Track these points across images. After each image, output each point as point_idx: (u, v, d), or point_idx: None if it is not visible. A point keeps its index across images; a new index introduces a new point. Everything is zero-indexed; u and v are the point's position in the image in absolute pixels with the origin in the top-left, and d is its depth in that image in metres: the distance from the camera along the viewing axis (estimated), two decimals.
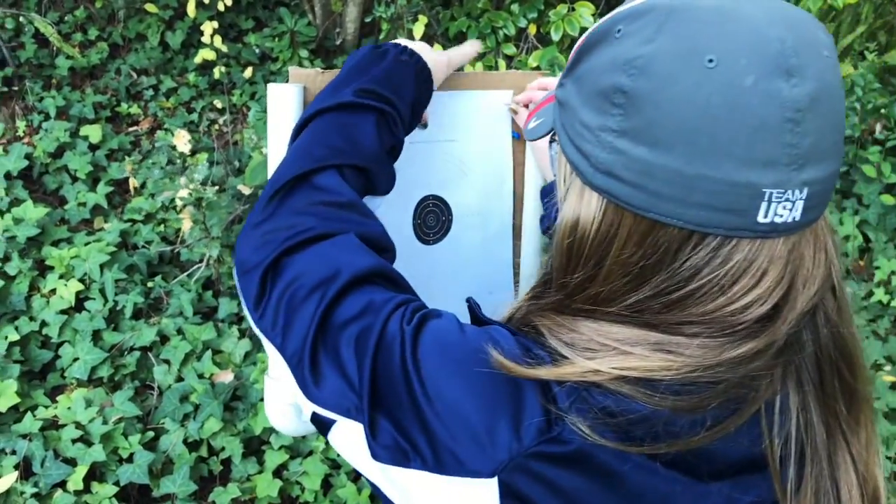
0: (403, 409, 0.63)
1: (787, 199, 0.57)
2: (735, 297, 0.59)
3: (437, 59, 0.98)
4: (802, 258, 0.61)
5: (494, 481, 0.59)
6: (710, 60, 0.55)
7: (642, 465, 0.59)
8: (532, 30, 3.10)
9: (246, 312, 0.78)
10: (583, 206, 0.63)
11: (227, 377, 2.49)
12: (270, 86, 0.91)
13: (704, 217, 0.57)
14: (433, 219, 1.03)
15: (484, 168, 1.05)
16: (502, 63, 3.04)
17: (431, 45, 3.12)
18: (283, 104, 0.90)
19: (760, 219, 0.57)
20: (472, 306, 0.74)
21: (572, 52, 0.68)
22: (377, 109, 0.87)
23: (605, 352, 0.61)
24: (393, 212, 1.00)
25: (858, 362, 0.66)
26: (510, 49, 3.09)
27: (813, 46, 0.57)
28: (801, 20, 0.59)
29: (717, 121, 0.55)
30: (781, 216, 0.57)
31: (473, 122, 1.03)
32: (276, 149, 0.92)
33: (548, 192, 1.05)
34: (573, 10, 2.84)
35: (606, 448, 0.59)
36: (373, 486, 0.68)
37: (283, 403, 0.96)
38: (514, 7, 3.09)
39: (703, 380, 0.60)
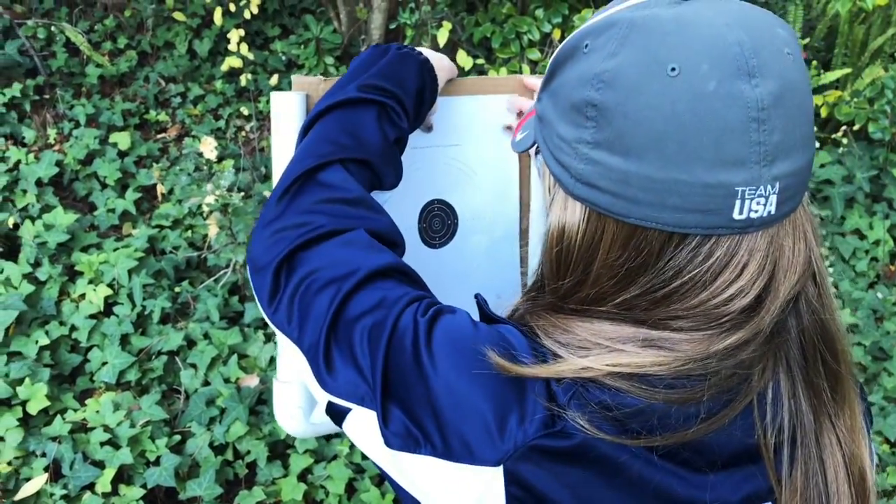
0: (415, 398, 0.65)
1: (760, 195, 0.59)
2: (718, 291, 0.61)
3: (440, 56, 1.01)
4: (782, 248, 0.63)
5: (500, 470, 0.61)
6: (673, 69, 0.57)
7: (641, 457, 0.61)
8: (556, 34, 3.10)
9: (260, 309, 0.79)
10: (567, 216, 0.66)
11: (252, 381, 2.51)
12: (273, 94, 0.92)
13: (681, 219, 0.59)
14: (438, 222, 1.03)
15: (489, 172, 1.05)
16: (526, 68, 3.04)
17: (456, 51, 3.12)
18: (287, 112, 0.92)
19: (736, 216, 0.59)
20: (481, 303, 0.75)
21: (547, 67, 0.70)
22: (378, 103, 0.88)
23: (598, 350, 0.63)
24: (398, 216, 1.01)
25: (841, 347, 0.68)
26: (534, 54, 3.09)
27: (772, 45, 0.59)
28: (759, 21, 0.61)
29: (684, 126, 0.57)
30: (756, 211, 0.59)
31: (478, 126, 1.03)
32: (279, 155, 0.93)
33: None
34: None
35: (606, 441, 0.61)
36: (385, 475, 0.70)
37: (293, 406, 0.97)
38: (539, 12, 3.09)
39: (694, 372, 0.62)
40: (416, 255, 1.03)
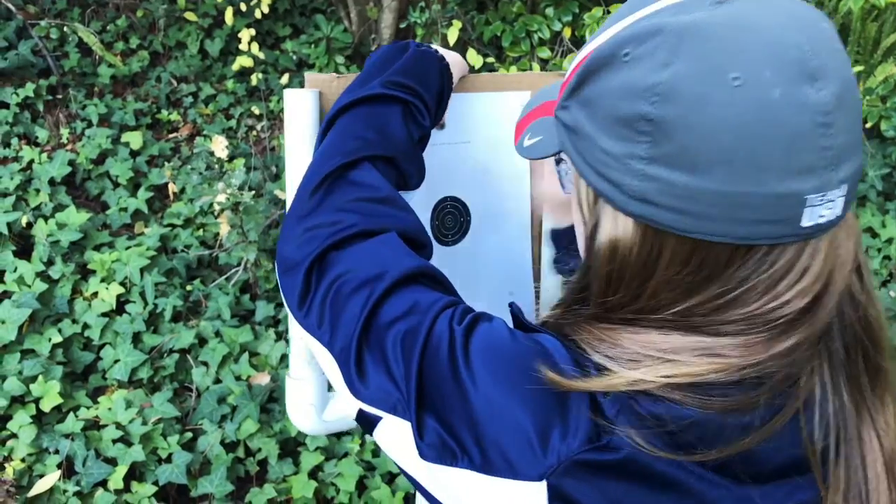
0: (452, 409, 0.64)
1: (828, 201, 0.57)
2: (778, 295, 0.60)
3: (453, 55, 0.99)
4: (839, 248, 0.61)
5: (543, 485, 0.59)
6: (735, 78, 0.54)
7: (691, 470, 0.59)
8: (567, 33, 3.09)
9: (289, 311, 0.78)
10: (619, 233, 0.63)
11: (263, 379, 2.52)
12: (287, 91, 0.93)
13: (751, 231, 0.57)
14: (451, 220, 1.04)
15: (501, 169, 1.05)
16: (537, 66, 3.04)
17: (466, 50, 3.12)
18: (300, 109, 0.92)
19: (805, 223, 0.57)
20: (516, 312, 0.73)
21: (570, 73, 0.67)
22: (403, 101, 0.88)
23: (650, 361, 0.61)
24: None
25: (884, 342, 0.66)
26: (545, 52, 3.09)
27: (827, 43, 0.58)
28: (807, 18, 0.59)
29: (753, 137, 0.54)
30: (824, 216, 0.58)
31: (491, 123, 1.03)
32: (293, 152, 0.93)
33: (560, 236, 1.04)
34: (608, 12, 2.83)
35: (656, 455, 0.59)
36: (417, 485, 0.68)
37: (305, 403, 0.98)
38: (549, 11, 3.09)
39: (750, 377, 0.60)
40: None
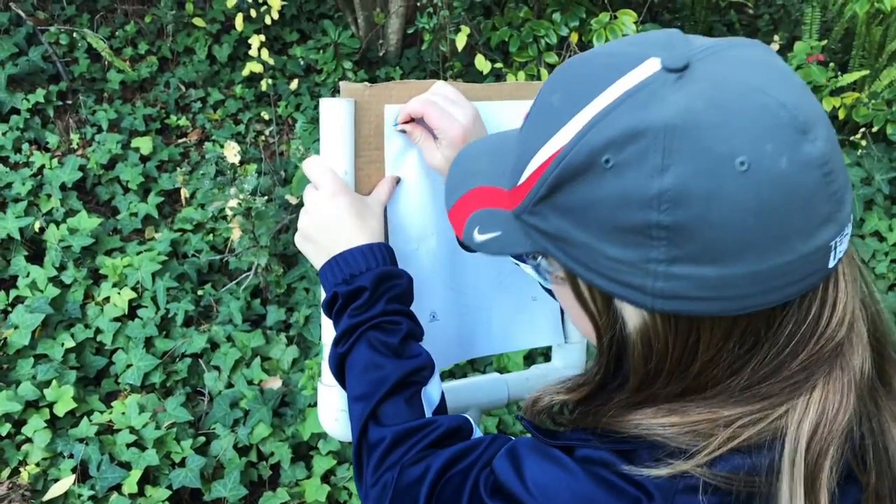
0: None
1: (844, 235, 0.59)
2: (822, 334, 0.61)
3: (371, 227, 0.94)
4: (852, 264, 0.64)
5: None
6: (742, 163, 0.53)
7: None
8: (574, 38, 3.11)
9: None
10: (649, 329, 0.62)
11: (275, 383, 2.54)
12: (323, 100, 0.94)
13: (787, 293, 0.58)
14: None
15: None
16: (544, 72, 3.06)
17: (474, 55, 3.11)
18: (336, 118, 0.93)
19: (831, 264, 0.59)
20: (528, 428, 0.72)
21: (532, 174, 0.62)
22: (360, 336, 0.89)
23: (719, 430, 0.61)
24: (436, 220, 1.03)
25: (890, 332, 0.69)
26: (552, 58, 3.10)
27: (791, 82, 0.58)
28: (765, 62, 0.58)
29: (775, 213, 0.54)
30: (841, 250, 0.59)
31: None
32: (328, 162, 0.95)
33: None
34: (615, 18, 2.85)
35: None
36: None
37: (336, 409, 0.99)
38: (556, 16, 3.11)
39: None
40: (456, 259, 1.05)
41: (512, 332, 1.10)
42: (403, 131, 0.99)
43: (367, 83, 0.96)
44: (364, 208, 0.94)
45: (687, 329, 0.60)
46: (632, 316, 0.63)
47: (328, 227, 0.92)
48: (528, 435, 0.72)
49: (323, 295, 0.93)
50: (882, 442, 0.64)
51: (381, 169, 0.98)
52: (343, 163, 0.94)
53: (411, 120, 0.98)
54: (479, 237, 0.71)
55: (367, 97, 0.95)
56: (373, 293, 0.88)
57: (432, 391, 0.88)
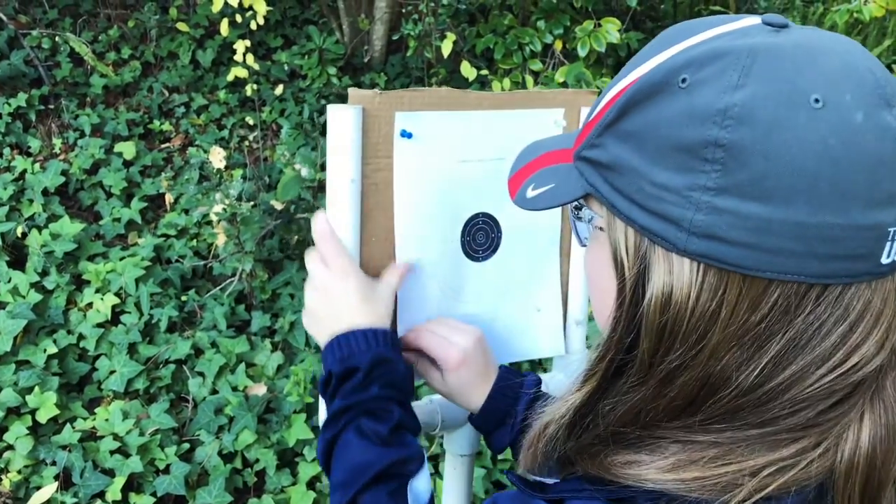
0: None
1: None
2: (853, 348, 0.55)
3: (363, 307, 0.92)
4: None
5: None
6: (817, 101, 0.51)
7: None
8: (558, 46, 3.13)
9: None
10: (674, 279, 0.56)
11: (260, 390, 2.53)
12: (330, 107, 0.93)
13: (828, 268, 0.53)
14: (483, 236, 1.05)
15: None
16: (529, 79, 3.07)
17: (459, 62, 3.12)
18: (343, 126, 0.92)
19: (883, 260, 0.54)
20: (514, 482, 0.68)
21: (602, 107, 0.61)
22: (345, 424, 0.87)
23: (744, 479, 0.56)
24: (443, 229, 1.03)
25: None
26: (536, 65, 3.12)
27: (887, 71, 0.56)
28: (860, 47, 0.57)
29: (837, 163, 0.51)
30: None
31: (524, 140, 1.05)
32: (334, 170, 0.94)
33: (479, 425, 0.99)
34: (599, 25, 2.87)
35: None
36: None
37: None
38: (541, 24, 3.13)
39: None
40: (460, 268, 1.05)
41: (513, 343, 1.10)
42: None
43: (377, 90, 0.95)
44: (371, 292, 0.92)
45: (713, 284, 0.55)
46: (659, 263, 0.57)
47: (333, 308, 0.91)
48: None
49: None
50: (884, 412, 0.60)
51: (390, 177, 0.98)
52: (350, 171, 0.93)
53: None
54: (531, 193, 0.69)
55: (377, 104, 0.94)
56: (367, 375, 0.85)
57: (420, 486, 0.84)
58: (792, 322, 0.54)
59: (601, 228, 0.63)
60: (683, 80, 0.54)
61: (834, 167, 0.51)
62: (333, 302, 0.91)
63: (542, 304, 1.11)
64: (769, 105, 0.51)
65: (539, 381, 0.98)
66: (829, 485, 0.56)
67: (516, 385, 0.97)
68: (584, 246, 0.69)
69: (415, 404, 1.06)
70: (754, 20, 0.57)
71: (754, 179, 0.52)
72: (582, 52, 2.84)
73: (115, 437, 2.36)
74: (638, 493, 0.57)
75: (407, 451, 0.84)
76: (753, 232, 0.52)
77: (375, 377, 0.86)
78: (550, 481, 0.66)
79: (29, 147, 3.19)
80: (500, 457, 2.40)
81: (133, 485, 2.32)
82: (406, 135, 0.97)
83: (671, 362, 0.57)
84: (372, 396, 0.85)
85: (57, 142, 3.25)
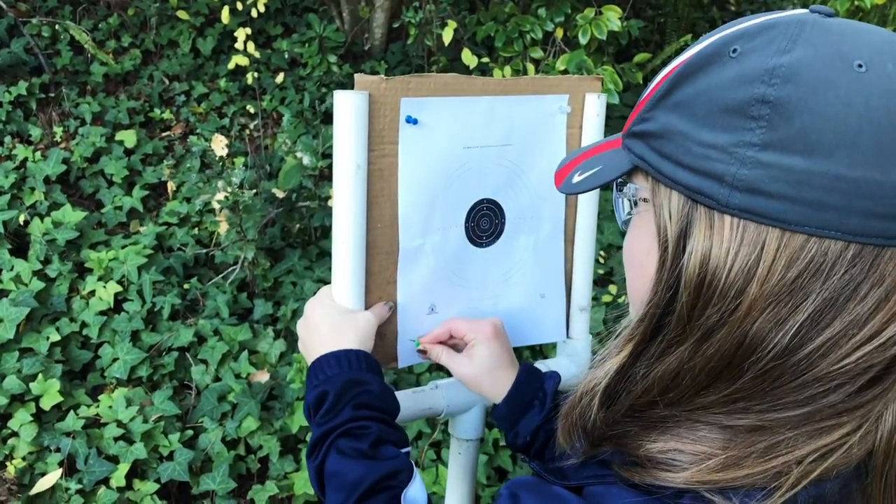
0: None
1: None
2: (889, 319, 0.56)
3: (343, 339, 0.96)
4: None
5: None
6: (860, 65, 0.54)
7: None
8: (559, 34, 3.13)
9: None
10: (714, 238, 0.57)
11: (263, 377, 2.54)
12: (336, 93, 0.93)
13: (866, 225, 0.54)
14: (487, 222, 1.06)
15: (538, 172, 1.07)
16: (530, 66, 3.07)
17: (460, 50, 3.11)
18: (349, 111, 0.93)
19: None
20: (536, 470, 0.70)
21: (654, 85, 0.64)
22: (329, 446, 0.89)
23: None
24: (447, 215, 1.03)
25: None
26: (537, 53, 3.12)
27: None
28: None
29: (878, 123, 0.53)
30: None
31: (528, 126, 1.06)
32: (340, 156, 0.95)
33: (503, 415, 1.01)
34: (600, 13, 2.87)
35: None
36: None
37: None
38: (542, 11, 3.12)
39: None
40: (463, 254, 1.06)
41: (517, 328, 1.11)
42: (423, 351, 1.05)
43: (383, 76, 0.95)
44: (347, 318, 0.97)
45: (752, 239, 0.56)
46: (701, 222, 0.58)
47: (310, 336, 0.98)
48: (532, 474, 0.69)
49: None
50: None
51: (395, 163, 0.98)
52: (355, 157, 0.94)
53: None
54: (577, 178, 0.72)
55: (383, 90, 0.95)
56: (337, 400, 0.88)
57: (415, 495, 0.85)
58: (827, 281, 0.55)
59: (645, 200, 0.65)
60: (734, 51, 0.58)
61: (875, 126, 0.53)
62: (311, 330, 0.98)
63: (545, 290, 1.12)
64: (815, 65, 0.54)
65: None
66: (866, 465, 0.57)
67: (539, 372, 1.02)
68: (625, 230, 0.70)
69: (419, 390, 1.07)
70: (803, 10, 0.60)
71: (797, 134, 0.54)
72: (583, 40, 2.84)
73: (119, 423, 2.38)
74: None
75: (394, 464, 0.85)
76: (795, 185, 0.54)
77: (347, 400, 0.88)
78: (570, 463, 0.67)
79: (30, 135, 3.19)
80: (502, 443, 2.41)
81: (137, 471, 2.33)
82: (411, 121, 0.98)
83: (709, 317, 0.58)
84: (345, 419, 0.87)
85: (58, 130, 3.25)
